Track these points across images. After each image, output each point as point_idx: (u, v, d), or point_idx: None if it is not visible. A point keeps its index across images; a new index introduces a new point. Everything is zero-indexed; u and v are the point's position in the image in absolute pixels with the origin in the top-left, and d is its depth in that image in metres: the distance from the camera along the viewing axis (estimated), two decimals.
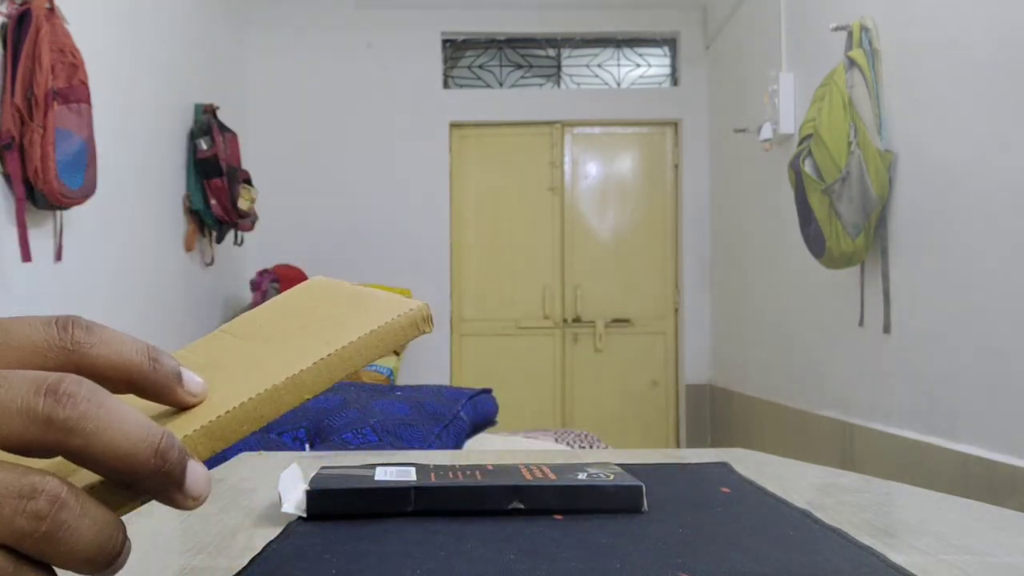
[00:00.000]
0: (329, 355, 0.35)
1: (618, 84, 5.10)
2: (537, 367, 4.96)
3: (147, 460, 0.27)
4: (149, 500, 0.29)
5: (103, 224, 2.99)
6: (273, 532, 0.48)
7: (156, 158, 3.58)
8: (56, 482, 0.25)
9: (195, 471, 0.28)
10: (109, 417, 0.26)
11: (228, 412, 0.31)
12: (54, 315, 0.29)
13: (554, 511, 0.52)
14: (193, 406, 0.32)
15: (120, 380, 0.29)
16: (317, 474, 0.56)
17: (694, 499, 0.56)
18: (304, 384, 0.34)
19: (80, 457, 0.26)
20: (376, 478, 0.54)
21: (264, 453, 0.90)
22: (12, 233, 2.47)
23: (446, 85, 5.06)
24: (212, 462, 0.50)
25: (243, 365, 0.35)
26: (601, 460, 0.67)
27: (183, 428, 0.31)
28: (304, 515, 0.52)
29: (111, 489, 0.28)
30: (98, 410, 0.26)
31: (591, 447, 2.57)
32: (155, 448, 0.27)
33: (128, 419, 0.27)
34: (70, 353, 0.28)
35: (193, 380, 0.32)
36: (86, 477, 0.28)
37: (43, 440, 0.25)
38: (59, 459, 0.28)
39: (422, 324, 0.38)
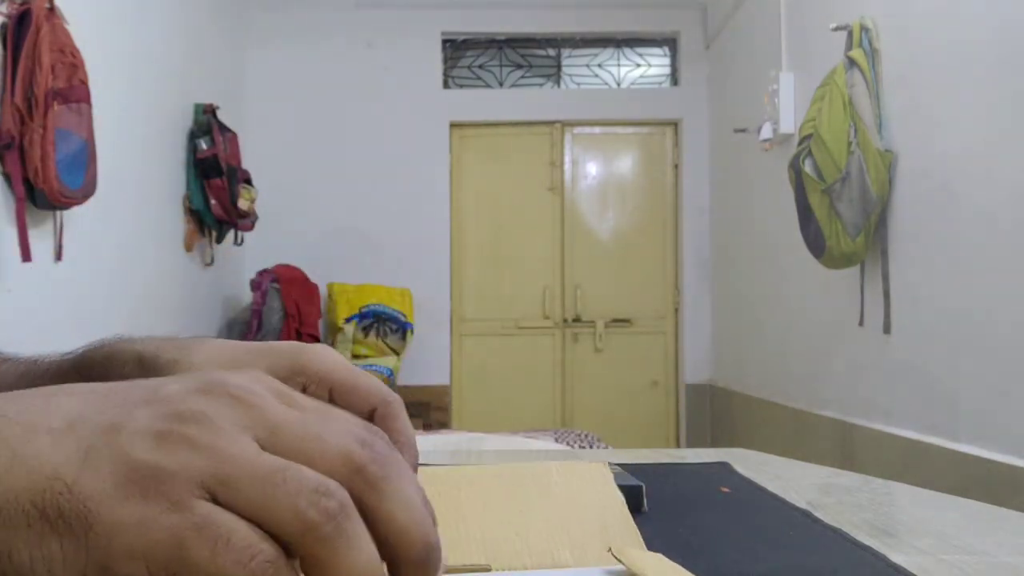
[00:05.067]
0: None
1: (618, 84, 5.10)
2: (537, 367, 4.96)
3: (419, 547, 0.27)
4: None
5: (103, 224, 2.99)
6: None
7: (156, 158, 3.58)
8: (347, 493, 0.26)
9: None
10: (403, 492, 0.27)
11: None
12: (365, 432, 0.28)
13: None
14: None
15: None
16: None
17: (694, 499, 0.56)
18: None
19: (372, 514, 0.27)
20: None
21: None
22: (12, 233, 2.46)
23: (446, 85, 5.06)
24: None
25: None
26: (601, 460, 0.67)
27: None
28: None
29: None
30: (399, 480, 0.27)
31: (591, 447, 2.57)
32: (427, 542, 0.27)
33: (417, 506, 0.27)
34: (353, 490, 0.26)
35: None
36: None
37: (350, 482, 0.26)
38: None
39: None
